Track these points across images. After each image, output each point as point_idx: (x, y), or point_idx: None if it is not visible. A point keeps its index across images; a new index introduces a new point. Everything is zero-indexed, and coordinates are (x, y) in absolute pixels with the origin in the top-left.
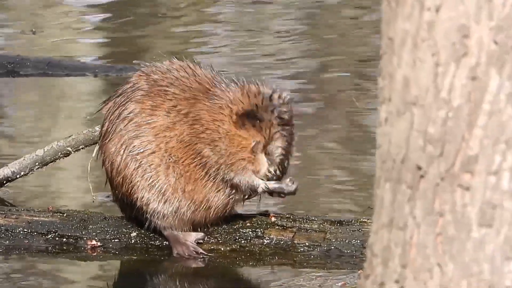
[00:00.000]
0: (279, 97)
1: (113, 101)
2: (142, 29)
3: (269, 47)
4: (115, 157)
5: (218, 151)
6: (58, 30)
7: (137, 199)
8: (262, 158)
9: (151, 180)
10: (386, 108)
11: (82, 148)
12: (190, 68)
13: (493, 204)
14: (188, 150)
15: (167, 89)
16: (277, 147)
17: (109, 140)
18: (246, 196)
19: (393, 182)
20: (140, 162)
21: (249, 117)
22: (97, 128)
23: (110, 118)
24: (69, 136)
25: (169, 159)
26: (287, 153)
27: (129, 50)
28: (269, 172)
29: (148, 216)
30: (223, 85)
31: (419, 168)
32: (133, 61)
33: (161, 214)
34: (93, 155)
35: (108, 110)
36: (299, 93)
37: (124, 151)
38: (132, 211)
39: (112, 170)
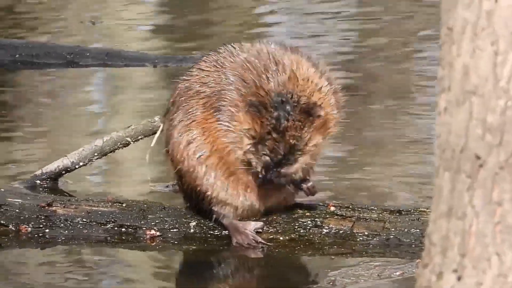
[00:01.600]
0: (295, 105)
1: (172, 100)
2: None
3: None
4: (182, 162)
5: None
6: (117, 20)
7: (204, 193)
8: (246, 142)
9: (216, 179)
10: (446, 97)
11: (141, 139)
12: (226, 57)
13: None
14: (224, 141)
15: (199, 89)
16: (263, 146)
17: (171, 145)
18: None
19: (452, 172)
20: (203, 166)
21: (250, 105)
22: (156, 119)
23: (170, 119)
24: (128, 127)
25: (219, 154)
26: (274, 155)
27: (190, 39)
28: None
29: (209, 205)
30: (261, 71)
31: (478, 157)
32: (193, 52)
33: (222, 203)
34: (152, 144)
35: (168, 111)
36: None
37: (187, 156)
38: (194, 201)
39: (181, 172)
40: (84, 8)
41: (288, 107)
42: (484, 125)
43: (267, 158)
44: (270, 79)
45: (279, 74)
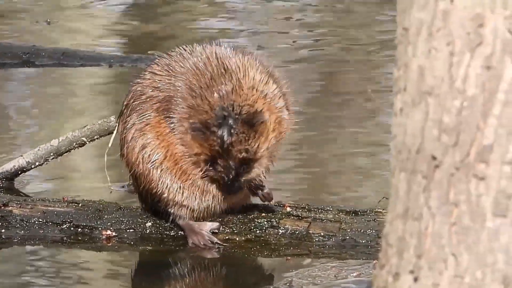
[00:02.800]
0: (238, 116)
1: (125, 103)
2: (159, 20)
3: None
4: (137, 165)
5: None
6: (73, 20)
7: (160, 196)
8: (201, 167)
9: (172, 182)
10: (401, 98)
11: (97, 139)
12: (178, 62)
13: (507, 194)
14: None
15: (151, 93)
16: (216, 165)
17: (125, 149)
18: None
19: (408, 172)
20: (158, 170)
21: (193, 130)
22: (112, 119)
23: (122, 130)
24: (84, 127)
25: (173, 157)
26: (228, 172)
27: (146, 39)
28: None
29: (165, 207)
30: (207, 80)
31: (434, 158)
32: (148, 52)
33: (177, 204)
34: (109, 145)
35: (121, 114)
36: None
37: (142, 160)
38: (149, 202)
39: (136, 175)
40: (39, 8)
41: (230, 121)
42: (440, 125)
43: (223, 175)
44: (214, 89)
45: (224, 83)
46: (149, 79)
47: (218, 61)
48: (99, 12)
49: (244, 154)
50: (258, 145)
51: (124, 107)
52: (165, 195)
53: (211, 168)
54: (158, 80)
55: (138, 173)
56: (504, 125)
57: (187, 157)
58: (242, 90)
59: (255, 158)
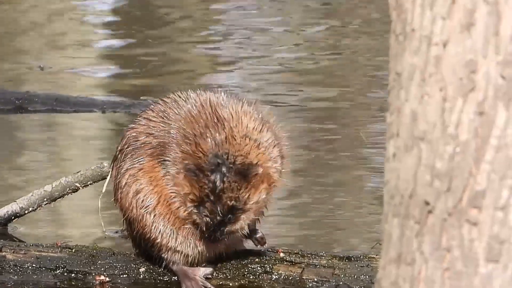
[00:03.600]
0: (231, 166)
1: (119, 148)
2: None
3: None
4: (130, 210)
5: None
6: (66, 66)
7: (153, 241)
8: (188, 205)
9: (165, 227)
10: (394, 143)
11: (91, 184)
12: (172, 108)
13: (500, 239)
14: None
15: (146, 139)
16: (203, 208)
17: (119, 195)
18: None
19: (401, 218)
20: (151, 215)
21: (186, 170)
22: (105, 164)
23: (116, 174)
24: (78, 172)
25: (166, 202)
26: (214, 217)
27: (138, 86)
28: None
29: (158, 252)
30: (202, 128)
31: (427, 203)
32: (141, 97)
33: (171, 249)
34: (103, 190)
35: (115, 159)
36: None
37: (135, 205)
38: (143, 247)
39: (129, 220)
40: (33, 54)
41: (224, 169)
42: (433, 171)
43: (208, 219)
44: (208, 137)
45: (218, 132)
46: (143, 125)
47: (211, 109)
48: (93, 53)
49: (233, 202)
50: (249, 196)
51: (118, 152)
52: (158, 240)
53: (196, 211)
54: (153, 127)
55: (132, 218)
56: (496, 170)
57: (175, 197)
58: (235, 139)
59: (244, 209)
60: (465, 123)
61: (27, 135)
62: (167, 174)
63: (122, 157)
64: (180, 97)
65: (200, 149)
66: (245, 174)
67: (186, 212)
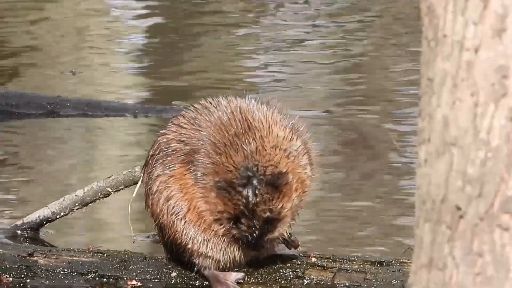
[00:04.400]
0: (262, 178)
1: (151, 154)
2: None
3: None
4: (161, 216)
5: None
6: (98, 70)
7: (185, 246)
8: (224, 224)
9: (196, 234)
10: (426, 148)
11: (122, 189)
12: (203, 115)
13: None
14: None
15: (177, 146)
16: (240, 224)
17: (150, 201)
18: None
19: (433, 223)
20: (182, 221)
21: (218, 188)
22: (137, 169)
23: (147, 180)
24: (109, 177)
25: (196, 210)
26: (252, 231)
27: (170, 89)
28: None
29: (190, 257)
30: (232, 137)
31: (459, 208)
32: (172, 102)
33: (202, 255)
34: (133, 195)
35: (144, 171)
36: None
37: (166, 212)
38: (174, 252)
39: (160, 226)
40: (64, 58)
41: (255, 182)
42: (464, 176)
43: (247, 234)
44: (239, 148)
45: (248, 141)
46: (174, 131)
47: (242, 117)
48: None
49: (268, 214)
50: (282, 205)
51: (149, 158)
52: (190, 246)
53: (234, 226)
54: (184, 134)
55: (163, 224)
56: None
57: (209, 214)
58: (265, 150)
59: (279, 218)
60: (496, 128)
61: (59, 140)
62: (197, 182)
63: (153, 163)
64: (211, 103)
65: (231, 162)
66: (276, 184)
67: (223, 229)
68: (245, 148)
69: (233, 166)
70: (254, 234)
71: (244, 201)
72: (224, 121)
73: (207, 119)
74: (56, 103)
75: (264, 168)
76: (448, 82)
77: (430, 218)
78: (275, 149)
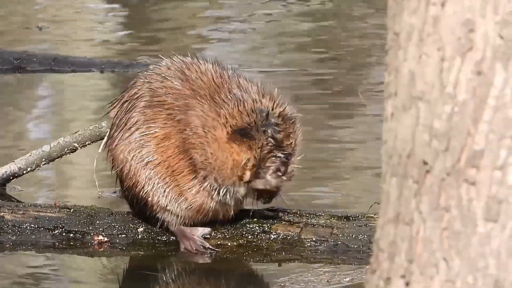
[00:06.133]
0: (277, 115)
1: (119, 106)
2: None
3: None
4: (124, 163)
5: (206, 156)
6: (65, 25)
7: (146, 199)
8: (251, 175)
9: (158, 186)
10: (392, 103)
11: (89, 144)
12: (191, 69)
13: (498, 199)
14: (182, 157)
15: (164, 98)
16: (268, 167)
17: (115, 146)
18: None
19: (399, 177)
20: (147, 170)
21: (241, 135)
22: (104, 124)
23: (118, 124)
24: (76, 132)
25: (169, 167)
26: (280, 174)
27: (138, 44)
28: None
29: (155, 213)
30: (227, 91)
31: (425, 163)
32: (137, 58)
33: (168, 211)
34: (99, 150)
35: (115, 116)
36: None
37: (132, 159)
38: (139, 208)
39: (122, 174)
40: (30, 13)
41: (273, 120)
42: (431, 131)
43: (278, 170)
44: (244, 97)
45: (248, 91)
46: (160, 81)
47: (228, 76)
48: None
49: (289, 149)
50: (296, 139)
51: (125, 101)
52: (150, 198)
53: (259, 172)
54: (171, 87)
55: (125, 172)
56: (494, 130)
57: (221, 169)
58: (265, 96)
59: (295, 152)
60: (463, 83)
61: (24, 95)
62: (189, 140)
63: (130, 107)
64: (195, 60)
65: (243, 108)
66: (290, 118)
67: (247, 176)
68: (250, 96)
69: (246, 112)
70: (286, 166)
71: (272, 140)
72: (215, 78)
73: (196, 76)
74: (23, 58)
75: (274, 109)
76: (414, 36)
77: (397, 172)
78: (271, 96)
